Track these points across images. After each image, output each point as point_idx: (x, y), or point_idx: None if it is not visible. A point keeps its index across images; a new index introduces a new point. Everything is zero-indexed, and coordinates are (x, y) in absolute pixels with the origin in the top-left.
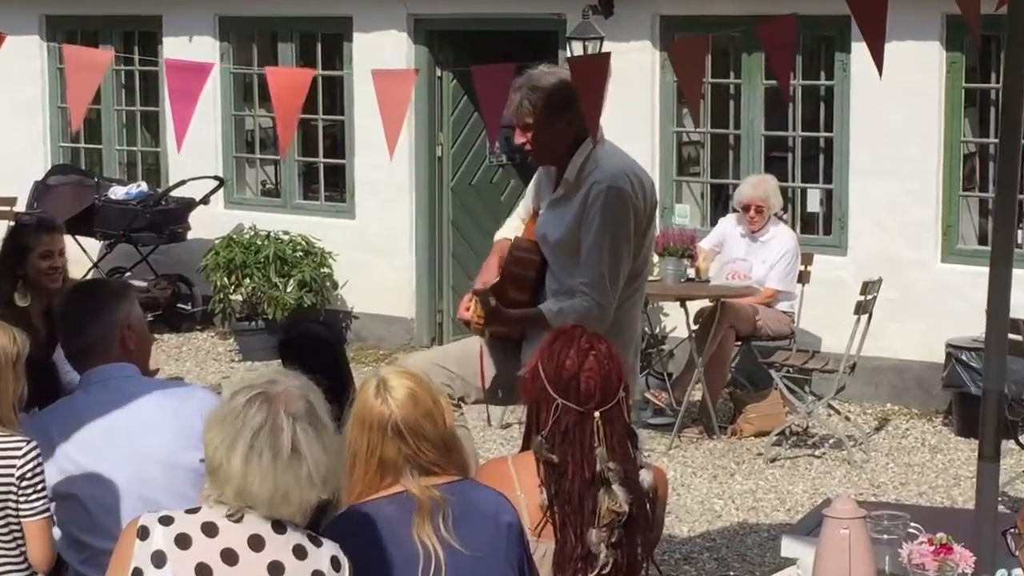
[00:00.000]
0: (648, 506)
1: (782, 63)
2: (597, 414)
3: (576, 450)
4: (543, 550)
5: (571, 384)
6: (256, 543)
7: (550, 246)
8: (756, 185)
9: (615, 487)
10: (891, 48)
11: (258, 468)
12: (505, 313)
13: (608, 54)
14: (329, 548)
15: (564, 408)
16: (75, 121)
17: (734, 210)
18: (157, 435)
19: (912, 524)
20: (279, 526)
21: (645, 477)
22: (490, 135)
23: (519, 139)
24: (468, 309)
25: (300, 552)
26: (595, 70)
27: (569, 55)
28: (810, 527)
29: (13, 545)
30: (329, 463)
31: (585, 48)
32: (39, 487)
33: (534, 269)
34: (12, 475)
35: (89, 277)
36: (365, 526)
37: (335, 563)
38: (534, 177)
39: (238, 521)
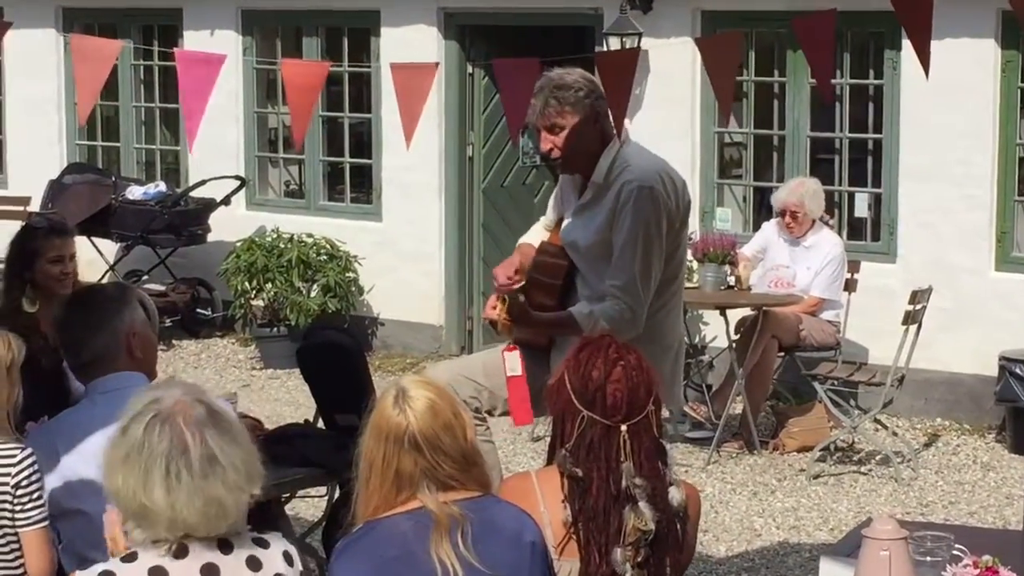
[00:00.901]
0: (678, 525)
1: (821, 61)
2: (624, 428)
3: (601, 465)
4: (567, 569)
5: (597, 396)
6: (210, 573)
7: (580, 252)
8: (793, 189)
9: (641, 504)
10: (943, 46)
11: (181, 493)
12: (534, 315)
13: (636, 49)
14: (277, 545)
15: (589, 420)
16: (82, 114)
17: (777, 214)
18: None
19: (957, 545)
20: (225, 545)
21: (675, 495)
22: (512, 133)
23: (545, 145)
24: (495, 308)
25: (254, 564)
26: (623, 66)
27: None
28: (849, 548)
29: (12, 556)
30: (245, 455)
31: (623, 44)
32: (36, 496)
33: (561, 276)
34: (7, 484)
35: (91, 283)
36: (380, 543)
37: (287, 558)
38: (557, 187)
39: (183, 556)
